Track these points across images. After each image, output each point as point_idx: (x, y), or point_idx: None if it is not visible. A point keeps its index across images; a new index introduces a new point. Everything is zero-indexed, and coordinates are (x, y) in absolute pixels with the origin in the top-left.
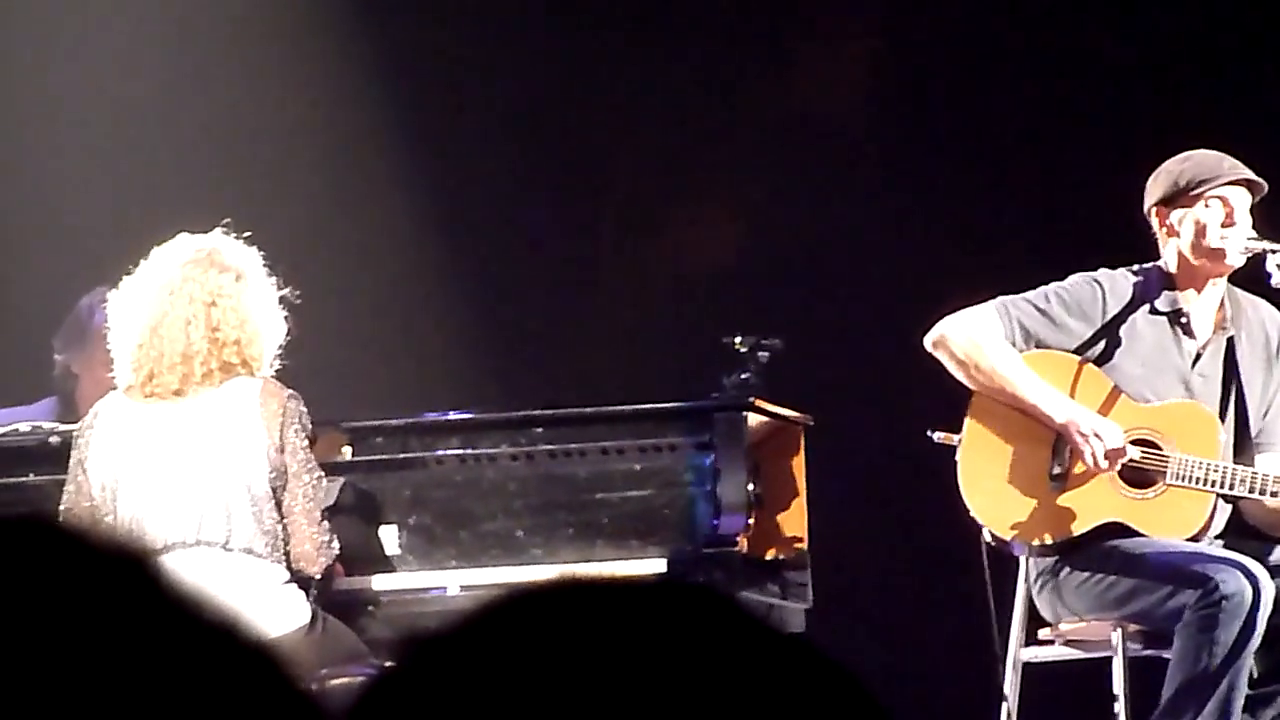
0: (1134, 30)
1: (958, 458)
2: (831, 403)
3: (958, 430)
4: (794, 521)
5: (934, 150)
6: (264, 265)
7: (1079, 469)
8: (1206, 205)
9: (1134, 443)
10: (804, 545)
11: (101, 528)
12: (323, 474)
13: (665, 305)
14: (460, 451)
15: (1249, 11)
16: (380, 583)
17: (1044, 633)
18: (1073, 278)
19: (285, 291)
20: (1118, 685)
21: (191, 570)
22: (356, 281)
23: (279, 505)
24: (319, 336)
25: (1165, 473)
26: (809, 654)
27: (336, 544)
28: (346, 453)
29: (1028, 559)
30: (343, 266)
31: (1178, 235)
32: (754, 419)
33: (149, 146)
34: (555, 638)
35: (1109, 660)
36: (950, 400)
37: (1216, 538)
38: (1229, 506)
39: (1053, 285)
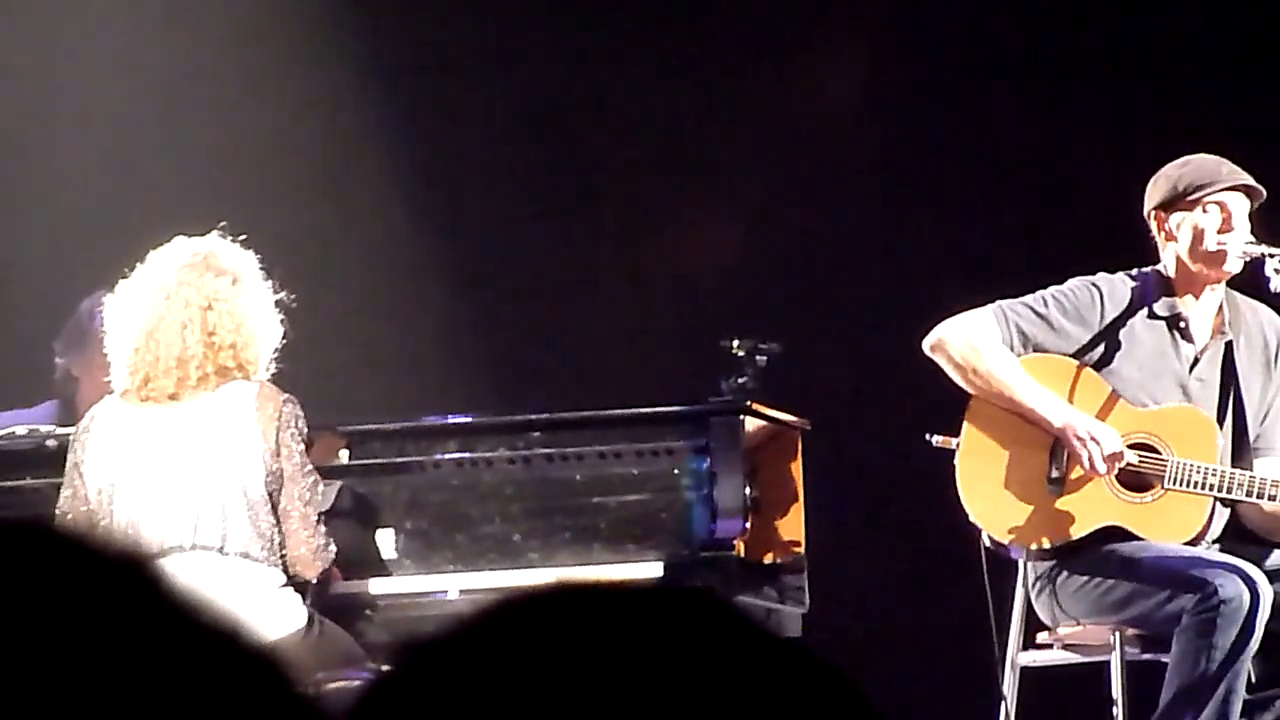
0: (1134, 34)
1: (956, 461)
2: (829, 406)
3: (956, 434)
4: (791, 525)
5: (933, 154)
6: (260, 269)
7: (1076, 473)
8: (1205, 210)
9: (1132, 447)
10: (801, 549)
11: (98, 531)
12: (319, 478)
13: (663, 309)
14: (457, 455)
15: (1249, 16)
16: (377, 586)
17: (1042, 636)
18: (1071, 282)
19: (281, 295)
20: (1116, 689)
21: (188, 574)
22: (353, 285)
23: (275, 509)
24: (315, 340)
25: (1163, 477)
26: (806, 659)
27: (333, 548)
28: (343, 456)
29: (1026, 563)
30: (339, 270)
31: (1176, 240)
32: (751, 423)
33: (147, 150)
34: (552, 643)
35: (1107, 664)
36: (949, 404)
37: (1214, 542)
38: (1227, 511)
39: (1051, 289)
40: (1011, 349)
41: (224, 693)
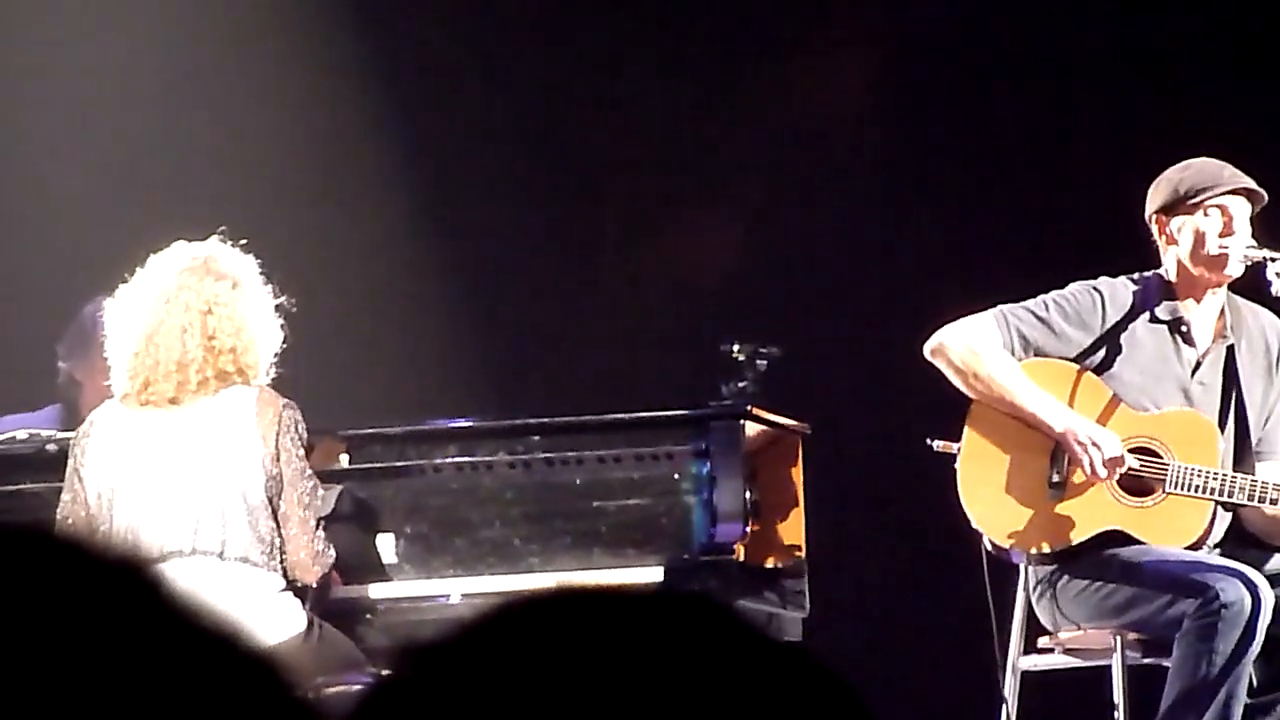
0: (1136, 37)
1: (957, 466)
2: (830, 410)
3: (957, 439)
4: (792, 530)
5: (934, 157)
6: (260, 273)
7: (1078, 477)
8: (1206, 214)
9: (1133, 451)
10: (802, 553)
11: (98, 536)
12: (318, 482)
13: (663, 312)
14: (458, 459)
15: (1251, 20)
16: (377, 591)
17: (1043, 641)
18: (1072, 286)
19: (282, 299)
20: (1117, 694)
21: (187, 579)
22: (353, 289)
23: (275, 513)
24: (315, 344)
25: (1164, 481)
26: (806, 663)
27: (332, 552)
28: (344, 460)
29: (1027, 567)
30: (339, 274)
31: (1177, 243)
32: (751, 427)
33: (147, 154)
34: (552, 648)
35: (1108, 669)
36: (950, 409)
37: (1216, 546)
38: (1229, 515)
39: (1052, 293)
40: (1012, 353)
41: (222, 698)
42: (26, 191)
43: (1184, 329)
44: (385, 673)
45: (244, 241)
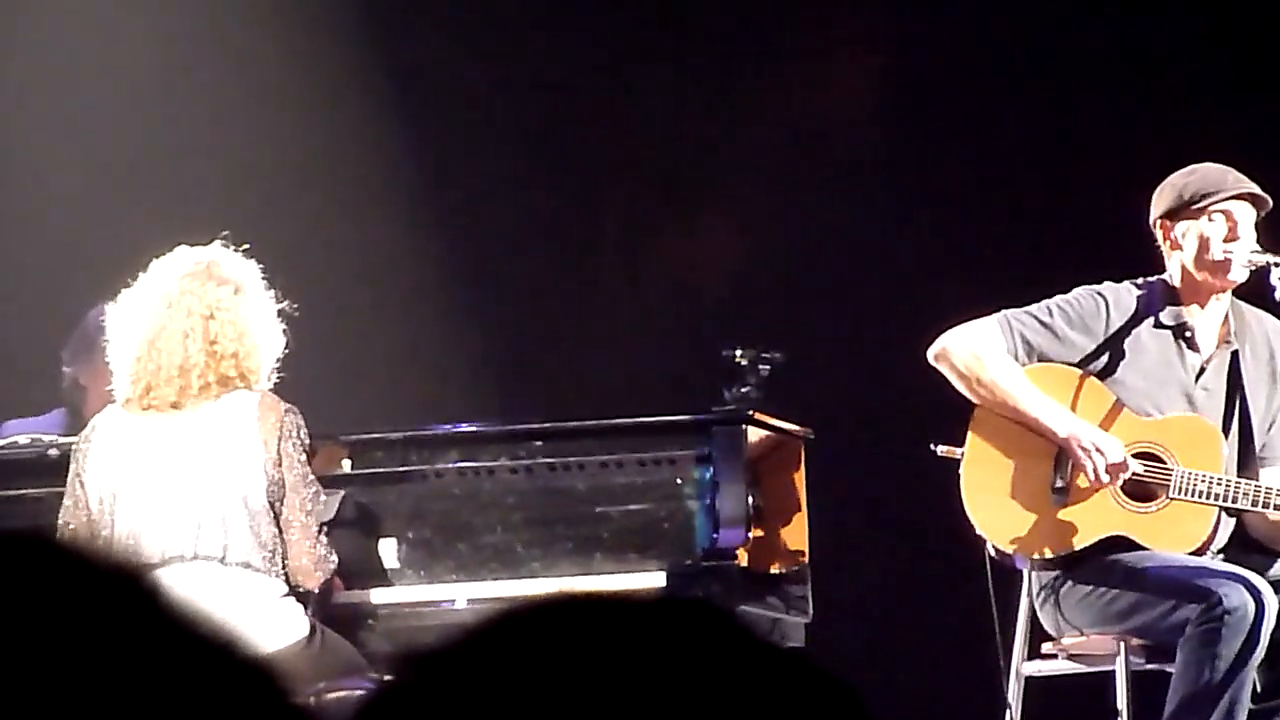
0: (1140, 42)
1: (960, 471)
2: (833, 416)
3: (961, 444)
4: (795, 535)
5: (937, 162)
6: (263, 278)
7: (1081, 483)
8: (1210, 219)
9: (1136, 456)
10: (804, 558)
11: (99, 541)
12: (320, 488)
13: (665, 318)
14: (460, 464)
15: (1255, 25)
16: (379, 596)
17: (1047, 646)
18: (1076, 291)
19: (284, 304)
20: (1120, 699)
21: (189, 584)
22: (356, 294)
23: (277, 519)
24: (318, 349)
25: (1168, 486)
26: (807, 668)
27: (334, 557)
28: (346, 466)
29: (1030, 572)
30: (342, 279)
31: (1181, 248)
32: (754, 432)
33: (148, 156)
34: (554, 653)
35: (1111, 674)
36: (953, 414)
37: (1219, 552)
38: (1232, 520)
39: (1056, 298)
40: (1016, 358)
41: (219, 705)
42: (27, 192)
43: (1188, 334)
44: (387, 678)
45: (246, 246)
